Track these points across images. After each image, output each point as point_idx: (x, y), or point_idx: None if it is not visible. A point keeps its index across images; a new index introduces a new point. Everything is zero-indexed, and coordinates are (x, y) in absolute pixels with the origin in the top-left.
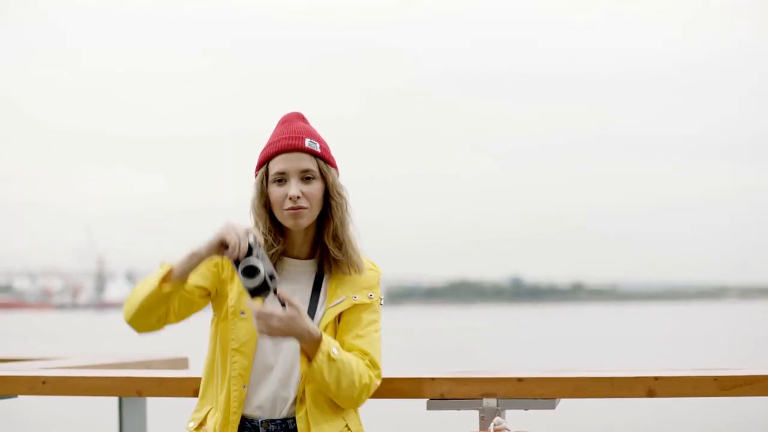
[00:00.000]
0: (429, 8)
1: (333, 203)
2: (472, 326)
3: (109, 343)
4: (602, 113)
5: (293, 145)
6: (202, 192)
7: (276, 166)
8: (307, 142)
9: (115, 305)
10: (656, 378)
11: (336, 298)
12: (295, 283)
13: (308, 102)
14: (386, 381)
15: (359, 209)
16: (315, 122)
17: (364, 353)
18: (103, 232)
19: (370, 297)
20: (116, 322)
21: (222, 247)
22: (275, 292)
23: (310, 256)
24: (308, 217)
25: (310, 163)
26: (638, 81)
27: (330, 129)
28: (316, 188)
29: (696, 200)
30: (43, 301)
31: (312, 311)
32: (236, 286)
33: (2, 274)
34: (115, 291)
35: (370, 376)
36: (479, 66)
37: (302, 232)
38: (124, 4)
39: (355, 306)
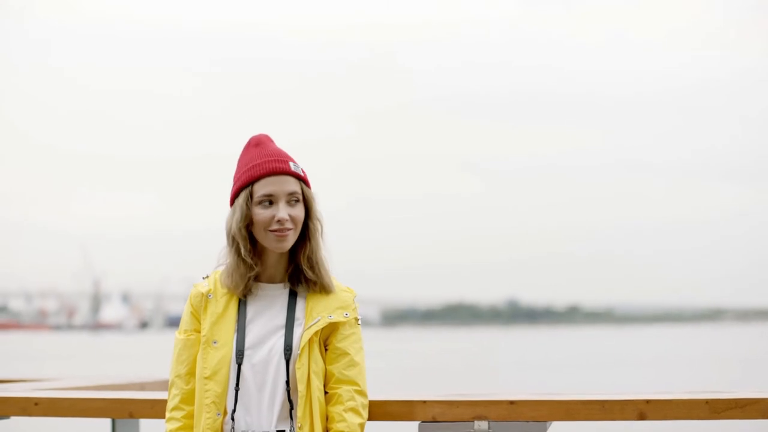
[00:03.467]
0: (422, 29)
1: (311, 226)
2: (468, 348)
3: (104, 365)
4: (600, 135)
5: (280, 168)
6: (200, 213)
7: (263, 188)
8: (292, 166)
9: (110, 326)
10: (647, 401)
11: (312, 320)
12: (269, 307)
13: (300, 122)
14: (378, 404)
15: (355, 231)
16: (308, 143)
17: (353, 384)
18: (99, 253)
19: (345, 316)
20: (111, 343)
21: None
22: None
23: (282, 279)
24: (291, 240)
25: (295, 186)
26: (634, 103)
27: (323, 150)
28: (300, 211)
29: (694, 222)
30: (39, 322)
31: (290, 334)
32: (208, 317)
33: None
34: (111, 312)
35: (363, 413)
36: (474, 87)
37: (277, 255)
38: (115, 24)
39: (335, 330)
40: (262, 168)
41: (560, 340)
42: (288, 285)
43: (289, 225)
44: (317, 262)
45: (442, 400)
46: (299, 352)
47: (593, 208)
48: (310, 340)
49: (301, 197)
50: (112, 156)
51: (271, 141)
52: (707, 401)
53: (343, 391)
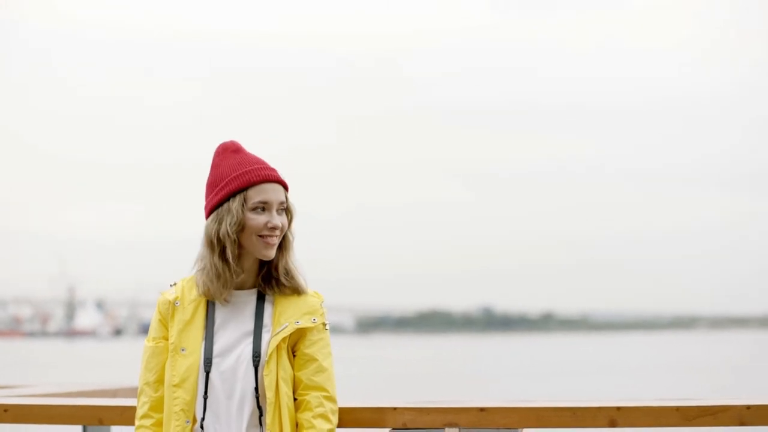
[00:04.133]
0: (411, 37)
1: (289, 235)
2: (442, 356)
3: (79, 371)
4: (584, 143)
5: (274, 176)
6: (176, 221)
7: (258, 194)
8: (280, 175)
9: (85, 333)
10: (618, 408)
11: (279, 326)
12: (238, 314)
13: (285, 129)
14: (349, 411)
15: (331, 239)
16: (292, 150)
17: (322, 390)
18: (74, 259)
19: (313, 321)
20: (86, 349)
21: None
22: None
23: (252, 285)
24: (276, 248)
25: (283, 196)
26: (620, 111)
27: (300, 157)
28: (286, 220)
29: (672, 231)
30: (13, 329)
31: (258, 341)
32: (176, 324)
33: None
34: (86, 319)
35: (332, 420)
36: (460, 95)
37: (252, 261)
38: (106, 31)
39: (303, 335)
40: (256, 175)
41: (534, 347)
42: (257, 291)
43: (280, 234)
44: (291, 270)
45: (412, 407)
46: (267, 359)
47: (571, 217)
48: (278, 347)
49: (287, 207)
50: (91, 162)
51: (241, 149)
52: (678, 408)
53: (312, 397)
